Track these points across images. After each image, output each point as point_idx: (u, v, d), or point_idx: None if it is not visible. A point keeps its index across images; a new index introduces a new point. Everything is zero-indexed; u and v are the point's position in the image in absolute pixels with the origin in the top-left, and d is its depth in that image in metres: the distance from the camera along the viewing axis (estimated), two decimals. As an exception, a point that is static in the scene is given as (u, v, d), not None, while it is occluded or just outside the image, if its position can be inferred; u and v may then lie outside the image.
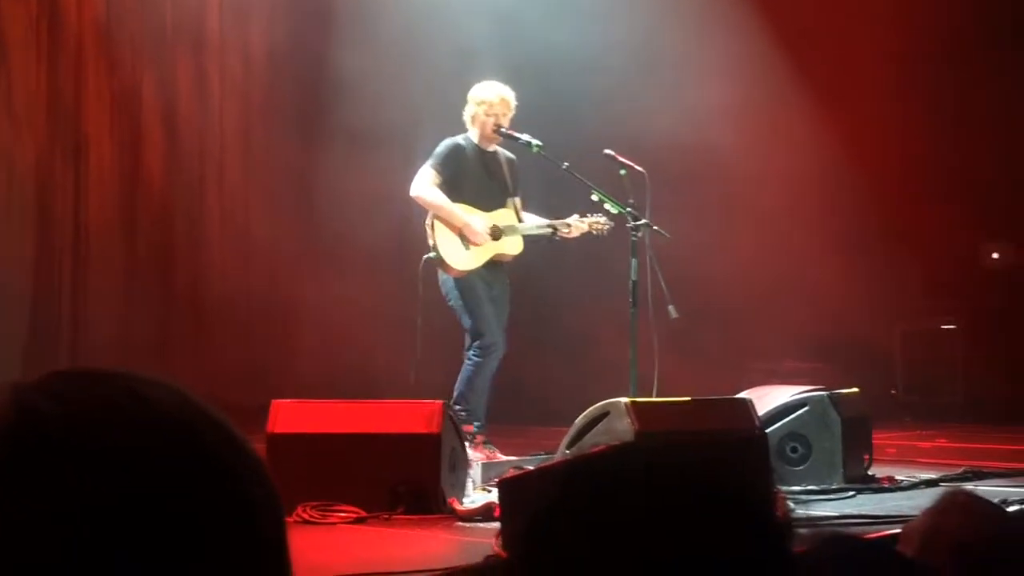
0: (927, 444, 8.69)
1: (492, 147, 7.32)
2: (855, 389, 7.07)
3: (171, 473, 0.88)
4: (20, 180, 10.68)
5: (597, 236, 7.33)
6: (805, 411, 6.54)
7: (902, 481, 6.49)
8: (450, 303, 7.21)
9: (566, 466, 1.21)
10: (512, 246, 7.24)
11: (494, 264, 7.22)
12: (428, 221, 7.12)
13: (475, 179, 7.17)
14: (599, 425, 5.85)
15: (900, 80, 11.17)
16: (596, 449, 4.84)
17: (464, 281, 7.10)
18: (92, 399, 0.90)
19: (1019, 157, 11.37)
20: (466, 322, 7.19)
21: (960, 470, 6.75)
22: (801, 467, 6.44)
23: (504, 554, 4.53)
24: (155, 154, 11.58)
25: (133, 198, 11.44)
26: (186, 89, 11.85)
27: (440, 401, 5.98)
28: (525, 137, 7.24)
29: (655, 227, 7.09)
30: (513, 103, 7.27)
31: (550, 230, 7.34)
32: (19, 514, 0.84)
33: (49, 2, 10.95)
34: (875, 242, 11.07)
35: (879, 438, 7.15)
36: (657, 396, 6.78)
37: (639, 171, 7.13)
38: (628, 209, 7.03)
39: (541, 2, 10.87)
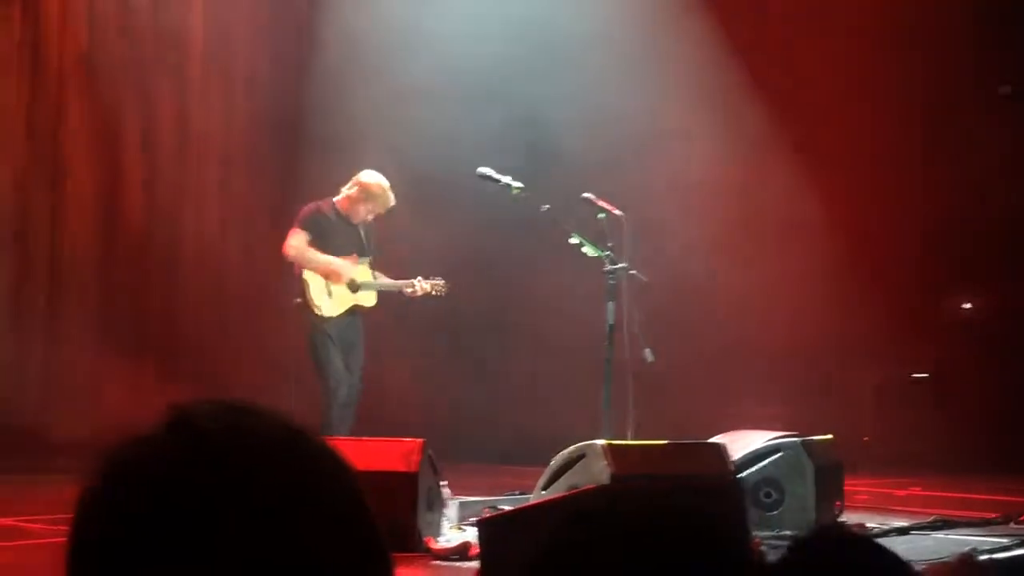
0: (898, 492, 8.74)
1: (346, 210, 8.09)
2: (829, 436, 7.12)
3: (301, 489, 0.95)
4: (-2, 203, 10.67)
5: (437, 296, 8.24)
6: (779, 457, 6.58)
7: (873, 529, 6.53)
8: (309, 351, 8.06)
9: (567, 505, 1.22)
10: (367, 299, 8.13)
11: (352, 313, 8.07)
12: (303, 274, 7.93)
13: (335, 239, 7.98)
14: (575, 466, 5.87)
15: (875, 132, 11.32)
16: (589, 488, 4.87)
17: (321, 331, 7.91)
18: (245, 424, 0.96)
19: (992, 207, 11.51)
20: (319, 368, 7.99)
21: (931, 519, 6.80)
22: (774, 512, 6.48)
23: (481, 595, 4.55)
24: (133, 182, 11.58)
25: (111, 225, 11.43)
26: (166, 118, 11.88)
27: (420, 440, 6.00)
28: (506, 179, 7.31)
29: (632, 271, 7.15)
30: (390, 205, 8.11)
31: (397, 289, 8.23)
32: (179, 507, 0.90)
33: (32, 28, 10.97)
34: (848, 291, 11.17)
35: (851, 485, 7.19)
36: (632, 439, 6.81)
37: (617, 215, 7.20)
38: (606, 253, 7.10)
39: (530, 48, 10.98)
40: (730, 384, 10.96)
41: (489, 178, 7.32)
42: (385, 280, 8.22)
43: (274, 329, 11.35)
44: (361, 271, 8.08)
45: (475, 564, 5.04)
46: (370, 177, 8.07)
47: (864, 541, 1.57)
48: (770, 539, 5.97)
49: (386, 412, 9.53)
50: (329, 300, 7.91)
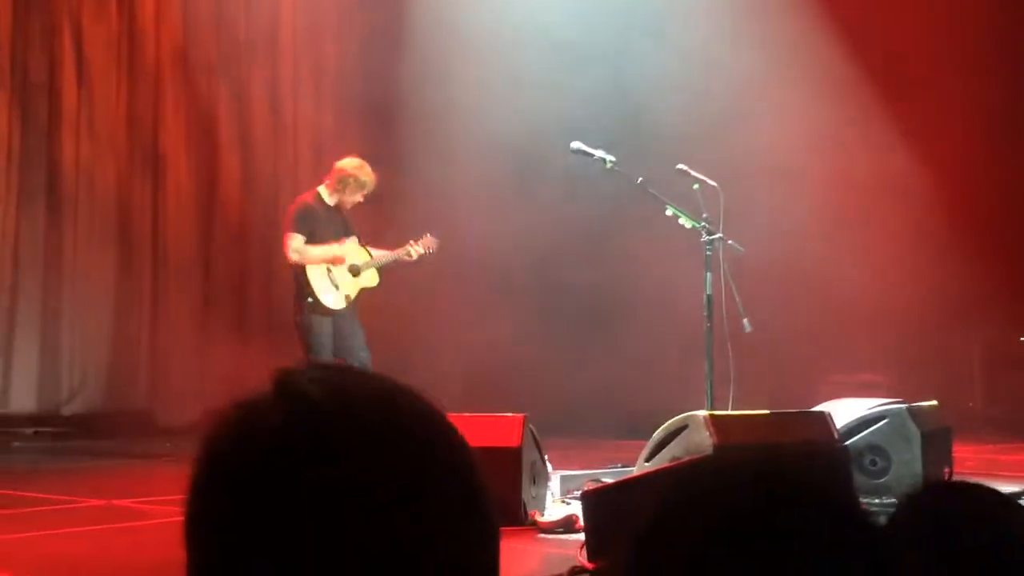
0: (1007, 457, 8.59)
1: (335, 200, 8.16)
2: (934, 402, 7.02)
3: (416, 464, 0.95)
4: (102, 197, 10.94)
5: (431, 253, 8.41)
6: (884, 423, 6.50)
7: (983, 494, 6.43)
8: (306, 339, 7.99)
9: (673, 474, 1.17)
10: (370, 279, 8.24)
11: (354, 299, 8.16)
12: (307, 274, 7.93)
13: (326, 229, 8.05)
14: (677, 438, 5.85)
15: (974, 93, 11.08)
16: (694, 458, 4.86)
17: (322, 328, 7.94)
18: (353, 388, 0.97)
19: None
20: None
21: (1042, 483, 6.67)
22: (881, 479, 6.41)
23: (589, 565, 4.58)
24: (230, 172, 11.79)
25: (210, 214, 11.65)
26: (260, 109, 12.06)
27: (522, 415, 6.03)
28: (599, 153, 7.29)
29: (730, 241, 7.11)
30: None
31: (395, 259, 8.34)
32: (294, 484, 0.91)
33: (128, 24, 11.21)
34: (955, 253, 10.95)
35: (958, 451, 7.07)
36: (733, 409, 6.78)
37: (712, 185, 7.16)
38: (702, 224, 7.06)
39: (622, 20, 10.92)
40: (832, 352, 10.83)
41: (583, 152, 7.31)
42: (381, 255, 8.34)
43: (374, 311, 11.46)
44: (358, 254, 8.23)
45: (580, 537, 5.06)
46: (355, 164, 8.21)
47: (978, 487, 1.54)
48: (877, 507, 5.92)
49: (486, 388, 9.59)
50: (337, 292, 8.03)
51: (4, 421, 10.28)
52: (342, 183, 8.12)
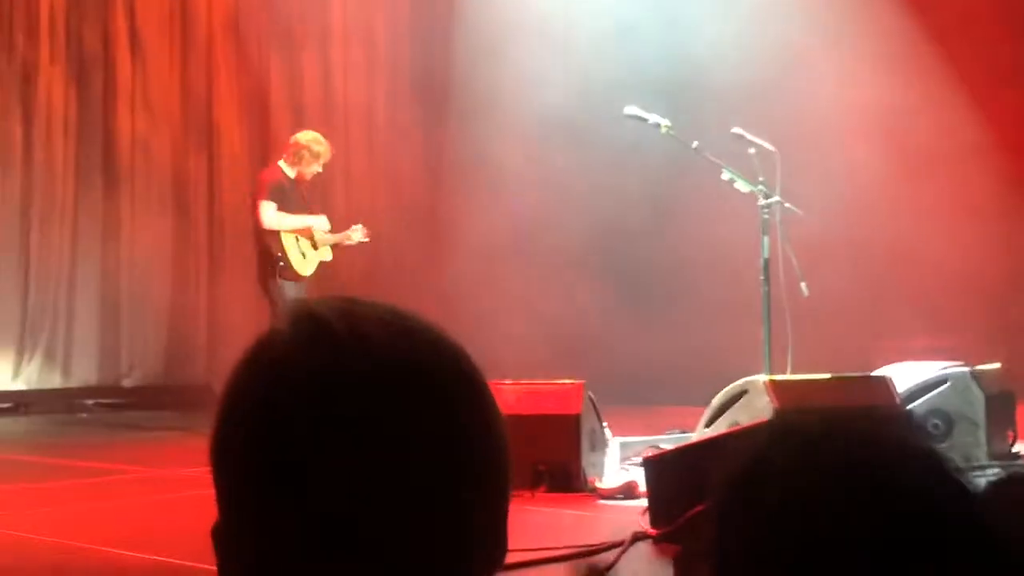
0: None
1: (294, 173, 8.44)
2: (997, 364, 6.93)
3: (410, 367, 0.96)
4: (158, 169, 11.05)
5: (367, 240, 8.79)
6: (947, 387, 6.43)
7: (1048, 457, 6.37)
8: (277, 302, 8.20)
9: (769, 428, 1.17)
10: (326, 253, 8.57)
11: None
12: (279, 239, 8.20)
13: (291, 203, 8.32)
14: (738, 403, 5.85)
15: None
16: (757, 422, 4.85)
17: (288, 289, 8.15)
18: (369, 320, 0.99)
19: None
20: None
21: (1109, 446, 6.59)
22: (943, 444, 6.34)
23: (652, 531, 4.58)
24: (283, 143, 11.83)
25: (263, 187, 11.72)
26: (311, 80, 12.09)
27: (581, 382, 6.04)
28: (653, 117, 7.24)
29: (787, 204, 7.05)
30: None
31: (339, 241, 8.63)
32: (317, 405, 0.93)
33: (181, -1, 11.29)
34: (1018, 216, 10.76)
35: (1022, 415, 6.98)
36: (791, 374, 6.74)
37: (769, 149, 7.09)
38: (759, 187, 7.01)
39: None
40: (893, 316, 10.70)
41: (637, 117, 7.27)
42: (330, 235, 8.61)
43: (423, 284, 11.52)
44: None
45: (640, 503, 5.06)
46: (310, 137, 8.47)
47: None
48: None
49: (544, 356, 9.59)
50: (304, 261, 8.33)
51: (67, 393, 10.44)
52: (298, 155, 8.41)
